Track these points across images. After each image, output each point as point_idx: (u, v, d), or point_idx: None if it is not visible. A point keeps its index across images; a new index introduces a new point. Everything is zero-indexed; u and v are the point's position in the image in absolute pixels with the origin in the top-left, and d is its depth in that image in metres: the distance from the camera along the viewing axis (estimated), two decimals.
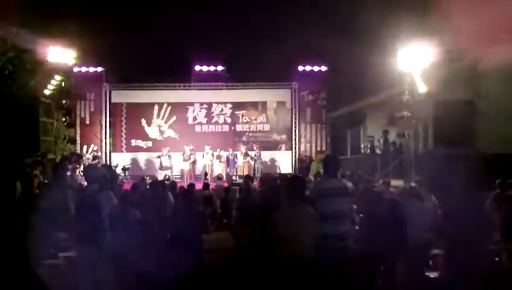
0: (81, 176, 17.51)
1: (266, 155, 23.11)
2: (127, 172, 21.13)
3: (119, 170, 20.07)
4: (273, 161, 23.61)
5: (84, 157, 20.61)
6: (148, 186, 13.07)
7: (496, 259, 7.14)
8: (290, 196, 6.23)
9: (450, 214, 5.95)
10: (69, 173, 14.37)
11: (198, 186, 16.76)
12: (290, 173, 21.01)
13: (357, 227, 9.53)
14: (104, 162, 21.44)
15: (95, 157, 21.56)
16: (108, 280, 7.16)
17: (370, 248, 7.70)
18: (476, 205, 5.82)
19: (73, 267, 7.87)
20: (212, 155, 21.78)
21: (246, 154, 22.09)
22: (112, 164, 21.14)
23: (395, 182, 14.98)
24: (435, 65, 15.65)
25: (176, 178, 20.30)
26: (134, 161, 23.16)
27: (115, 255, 7.64)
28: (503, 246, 7.20)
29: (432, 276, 7.29)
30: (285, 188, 6.46)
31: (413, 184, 10.32)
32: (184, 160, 21.69)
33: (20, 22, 13.16)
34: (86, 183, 7.91)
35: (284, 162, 23.76)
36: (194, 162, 21.76)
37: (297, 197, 6.12)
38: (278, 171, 22.17)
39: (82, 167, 18.63)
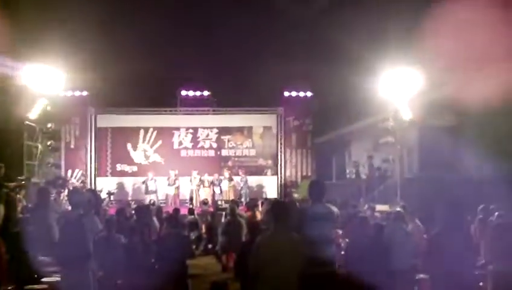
0: (65, 200, 17.37)
1: (252, 180, 23.05)
2: (112, 196, 20.97)
3: (104, 195, 19.89)
4: (259, 186, 23.56)
5: (69, 182, 20.44)
6: (133, 211, 13.02)
7: (480, 284, 7.15)
8: (273, 220, 6.18)
9: (435, 239, 5.94)
10: (53, 198, 14.28)
11: (184, 211, 16.74)
12: (274, 198, 20.95)
13: (342, 252, 9.53)
14: (88, 187, 21.27)
15: (81, 182, 21.41)
16: None
17: (355, 273, 7.70)
18: (461, 230, 5.84)
19: None
20: (200, 180, 21.71)
21: (230, 179, 22.00)
22: (97, 189, 20.99)
23: (380, 207, 15.04)
24: (419, 92, 15.80)
25: (161, 203, 20.21)
26: (120, 186, 22.97)
27: (99, 280, 7.57)
28: (487, 271, 7.22)
29: None
30: (268, 213, 6.43)
31: (398, 209, 10.37)
32: (169, 185, 21.61)
33: (3, 47, 13.15)
34: (70, 207, 7.84)
35: (270, 188, 23.71)
36: (178, 187, 21.68)
37: (280, 222, 6.05)
38: (263, 197, 22.10)
39: (67, 191, 18.49)
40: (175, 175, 21.73)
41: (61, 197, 17.04)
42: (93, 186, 21.73)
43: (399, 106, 16.46)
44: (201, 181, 21.66)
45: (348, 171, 22.06)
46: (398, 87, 15.95)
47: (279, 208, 6.24)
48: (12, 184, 13.55)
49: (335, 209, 7.19)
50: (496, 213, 9.73)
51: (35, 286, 7.81)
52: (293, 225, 7.19)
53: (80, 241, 6.86)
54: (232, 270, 11.39)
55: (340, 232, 11.18)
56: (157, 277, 9.04)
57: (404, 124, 16.91)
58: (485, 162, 15.71)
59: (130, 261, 9.04)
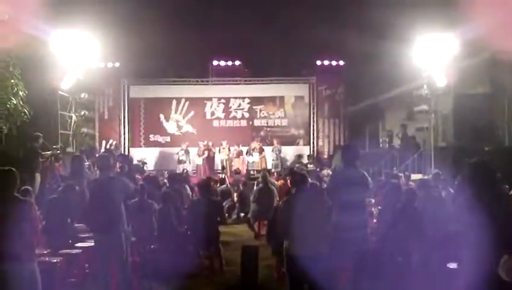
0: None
1: (284, 150, 22.97)
2: (145, 166, 21.15)
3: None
4: (292, 155, 23.47)
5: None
6: (165, 180, 13.14)
7: None
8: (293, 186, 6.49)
9: (469, 202, 5.72)
10: (87, 167, 14.49)
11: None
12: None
13: (374, 220, 9.47)
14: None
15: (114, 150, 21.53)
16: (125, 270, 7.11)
17: (387, 238, 7.66)
18: (497, 198, 5.61)
19: (90, 256, 7.92)
20: (229, 150, 21.79)
21: (261, 150, 22.01)
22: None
23: (414, 176, 14.90)
24: (454, 58, 15.48)
25: (193, 172, 20.36)
26: (153, 156, 23.19)
27: (132, 245, 7.66)
28: None
29: (452, 267, 7.17)
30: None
31: (430, 176, 10.24)
32: (198, 155, 21.74)
33: (38, 13, 13.21)
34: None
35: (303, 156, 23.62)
36: (208, 157, 21.73)
37: (299, 186, 6.30)
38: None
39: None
40: (204, 145, 21.84)
41: (96, 167, 17.25)
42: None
43: (433, 73, 16.15)
44: (233, 151, 21.73)
45: (381, 140, 21.83)
46: (433, 53, 15.62)
47: (296, 175, 6.45)
48: (48, 153, 13.78)
49: (368, 176, 7.14)
50: None
51: (70, 251, 7.94)
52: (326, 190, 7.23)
53: (110, 203, 6.86)
54: (264, 237, 11.45)
55: (373, 201, 11.14)
56: (189, 242, 9.14)
57: (438, 91, 16.62)
58: None
59: (163, 226, 9.16)
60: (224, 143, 21.99)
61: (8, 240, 5.39)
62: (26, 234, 5.60)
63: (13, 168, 5.75)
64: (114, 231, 6.85)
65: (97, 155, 15.51)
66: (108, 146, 21.51)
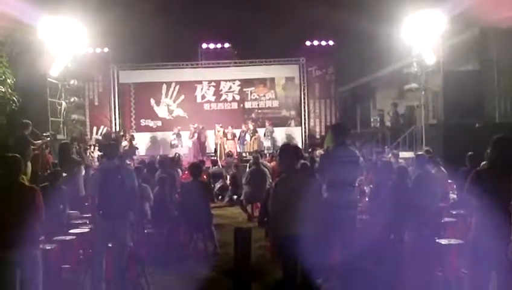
0: (91, 157, 17.58)
1: (276, 131, 23.00)
2: (137, 151, 21.14)
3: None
4: (283, 137, 23.51)
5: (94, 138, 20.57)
6: (157, 164, 13.12)
7: None
8: (281, 165, 6.38)
9: (482, 175, 5.63)
10: (75, 153, 14.44)
11: (208, 163, 16.95)
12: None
13: (367, 198, 9.51)
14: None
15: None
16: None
17: (379, 215, 7.69)
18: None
19: (84, 242, 7.93)
20: (224, 133, 21.78)
21: (255, 131, 22.03)
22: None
23: (405, 154, 14.97)
24: (443, 35, 15.47)
25: (185, 156, 20.37)
26: (145, 141, 23.23)
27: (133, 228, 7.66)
28: None
29: (443, 243, 7.23)
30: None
31: (421, 152, 10.27)
32: (189, 138, 21.76)
33: None
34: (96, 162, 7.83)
35: (294, 138, 23.68)
36: (199, 140, 21.73)
37: (290, 165, 6.12)
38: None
39: (92, 147, 18.71)
40: (194, 128, 21.84)
41: (88, 154, 17.24)
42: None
43: (423, 51, 16.14)
44: (225, 134, 21.72)
45: (372, 119, 21.91)
46: (422, 31, 15.60)
47: (286, 152, 6.26)
48: (38, 142, 13.70)
49: (359, 155, 7.16)
50: None
51: (64, 237, 7.94)
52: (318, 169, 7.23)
53: (121, 191, 6.86)
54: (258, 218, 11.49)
55: (365, 179, 11.19)
56: (183, 226, 9.17)
57: (428, 69, 16.63)
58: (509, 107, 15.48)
59: (159, 210, 9.19)
60: (218, 126, 21.99)
61: (13, 226, 5.39)
62: (31, 221, 5.60)
63: (18, 155, 5.73)
64: (120, 218, 6.86)
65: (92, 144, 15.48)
66: (114, 132, 21.45)
